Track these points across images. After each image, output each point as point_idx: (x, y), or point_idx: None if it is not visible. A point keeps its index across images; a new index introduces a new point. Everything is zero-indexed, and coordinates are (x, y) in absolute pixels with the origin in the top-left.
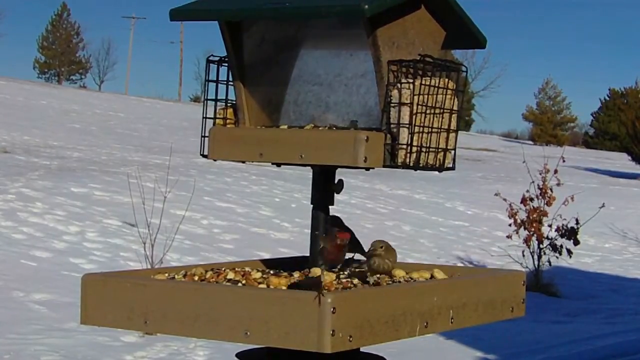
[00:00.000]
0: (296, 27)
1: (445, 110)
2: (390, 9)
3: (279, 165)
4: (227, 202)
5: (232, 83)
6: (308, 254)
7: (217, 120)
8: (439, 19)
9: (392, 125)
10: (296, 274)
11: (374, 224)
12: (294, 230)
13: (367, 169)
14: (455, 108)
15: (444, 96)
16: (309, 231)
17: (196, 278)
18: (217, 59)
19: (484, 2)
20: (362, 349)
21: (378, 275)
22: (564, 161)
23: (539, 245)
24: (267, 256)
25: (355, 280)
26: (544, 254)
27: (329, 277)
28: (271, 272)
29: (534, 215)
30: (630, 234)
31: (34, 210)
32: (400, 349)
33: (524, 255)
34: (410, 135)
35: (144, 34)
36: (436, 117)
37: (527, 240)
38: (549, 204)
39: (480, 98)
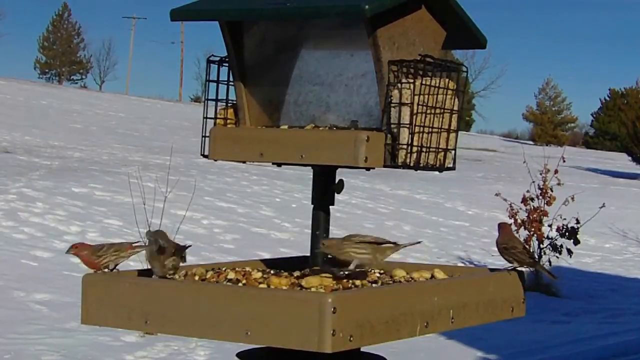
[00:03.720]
0: (297, 27)
1: (445, 110)
2: (390, 9)
3: (279, 165)
4: (227, 202)
5: (232, 83)
6: (309, 254)
7: (218, 120)
8: (439, 19)
9: (392, 125)
10: (296, 274)
11: (375, 224)
12: (295, 230)
13: (368, 169)
14: (455, 108)
15: (444, 96)
16: (310, 231)
17: (197, 278)
18: (217, 59)
19: (484, 2)
20: (362, 349)
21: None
22: (564, 161)
23: (539, 245)
24: (267, 256)
25: (357, 282)
26: (544, 254)
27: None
28: (272, 272)
29: (534, 215)
30: (631, 234)
31: (35, 210)
32: (400, 349)
33: None
34: (410, 135)
35: (144, 34)
36: (436, 117)
37: (527, 240)
38: (549, 204)
39: (480, 98)
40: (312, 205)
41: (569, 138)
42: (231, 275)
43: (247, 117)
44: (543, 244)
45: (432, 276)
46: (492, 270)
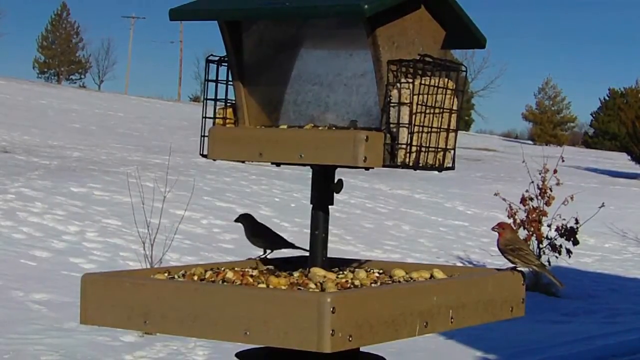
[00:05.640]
0: (296, 27)
1: (444, 110)
2: (390, 9)
3: (278, 165)
4: (226, 202)
5: (231, 83)
6: (308, 254)
7: (217, 120)
8: (438, 19)
9: (391, 125)
10: (296, 274)
11: (374, 224)
12: (294, 230)
13: (367, 168)
14: (454, 108)
15: (444, 96)
16: (309, 231)
17: (196, 278)
18: (216, 58)
19: (484, 2)
20: (362, 349)
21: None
22: (563, 161)
23: (538, 245)
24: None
25: (357, 282)
26: (544, 253)
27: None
28: (270, 272)
29: (534, 215)
30: (630, 234)
31: (34, 210)
32: (400, 349)
33: None
34: (409, 135)
35: (143, 33)
36: (436, 116)
37: (526, 240)
38: (548, 203)
39: (480, 98)
40: (311, 205)
41: (569, 138)
42: (230, 275)
43: (246, 116)
44: (542, 244)
45: (432, 276)
46: (491, 270)
